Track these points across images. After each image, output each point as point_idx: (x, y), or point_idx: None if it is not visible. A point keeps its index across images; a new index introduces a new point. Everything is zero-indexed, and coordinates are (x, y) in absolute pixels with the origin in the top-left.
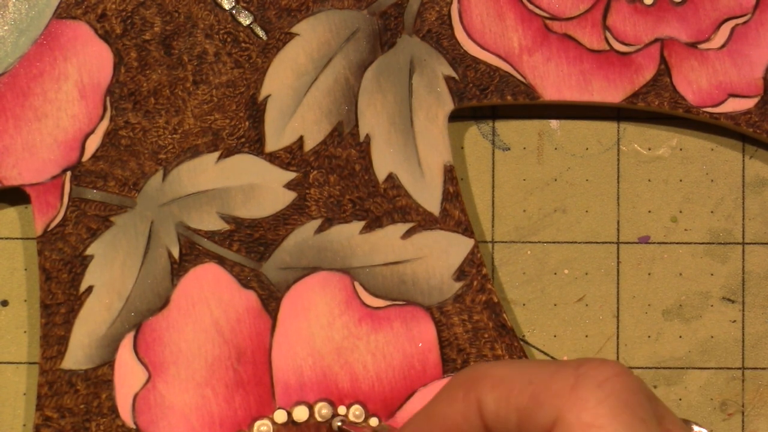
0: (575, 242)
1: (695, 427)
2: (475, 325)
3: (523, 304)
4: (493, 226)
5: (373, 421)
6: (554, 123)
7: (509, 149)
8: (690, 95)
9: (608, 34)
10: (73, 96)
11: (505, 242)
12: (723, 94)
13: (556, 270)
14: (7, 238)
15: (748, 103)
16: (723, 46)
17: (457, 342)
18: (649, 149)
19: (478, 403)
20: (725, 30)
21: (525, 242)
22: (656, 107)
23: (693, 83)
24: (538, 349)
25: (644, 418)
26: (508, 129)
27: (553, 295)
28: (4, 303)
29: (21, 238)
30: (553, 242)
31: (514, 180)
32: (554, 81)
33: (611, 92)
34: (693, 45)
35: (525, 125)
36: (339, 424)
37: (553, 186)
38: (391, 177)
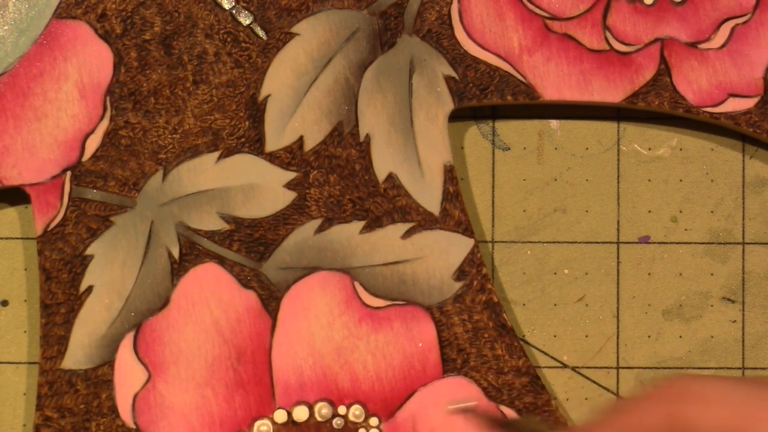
0: (575, 242)
1: None
2: (475, 325)
3: (523, 304)
4: (493, 226)
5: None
6: (554, 123)
7: (509, 149)
8: (690, 95)
9: (608, 34)
10: (73, 96)
11: (505, 242)
12: (723, 94)
13: (556, 270)
14: (7, 238)
15: (748, 103)
16: (723, 46)
17: (457, 342)
18: (649, 149)
19: (685, 422)
20: (725, 30)
21: (525, 242)
22: (656, 107)
23: (693, 83)
24: (538, 349)
25: None
26: (508, 129)
27: (553, 295)
28: (4, 303)
29: (21, 238)
30: (553, 242)
31: (514, 180)
32: (554, 81)
33: (611, 92)
34: (693, 45)
35: (525, 125)
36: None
37: (553, 186)
38: (391, 177)
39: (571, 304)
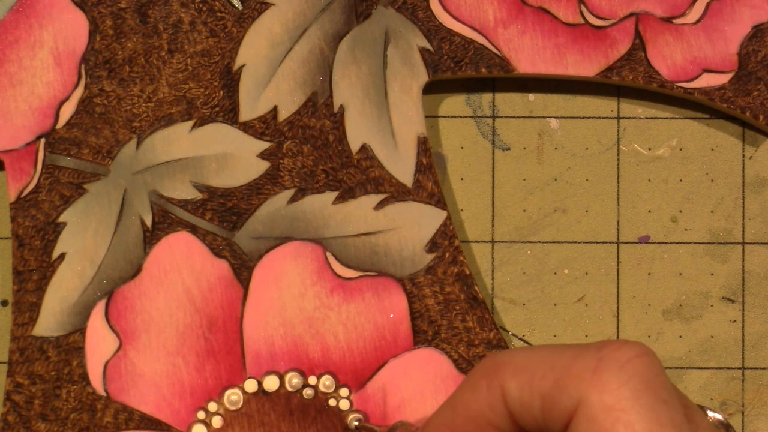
0: (575, 242)
1: (710, 413)
2: (447, 297)
3: (523, 304)
4: (493, 226)
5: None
6: (554, 123)
7: (509, 149)
8: (664, 70)
9: (583, 8)
10: (48, 63)
11: (505, 242)
12: (697, 69)
13: (556, 270)
14: (6, 238)
15: (723, 79)
16: (698, 21)
17: (429, 313)
18: (649, 149)
19: (501, 391)
20: (700, 5)
21: (525, 242)
22: (630, 82)
23: (667, 58)
24: None
25: (666, 400)
26: (508, 129)
27: (553, 295)
28: (4, 303)
29: None
30: (553, 242)
31: (514, 180)
32: (529, 54)
33: (586, 66)
34: (668, 20)
35: (525, 125)
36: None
37: (553, 186)
38: (364, 148)
39: (571, 304)
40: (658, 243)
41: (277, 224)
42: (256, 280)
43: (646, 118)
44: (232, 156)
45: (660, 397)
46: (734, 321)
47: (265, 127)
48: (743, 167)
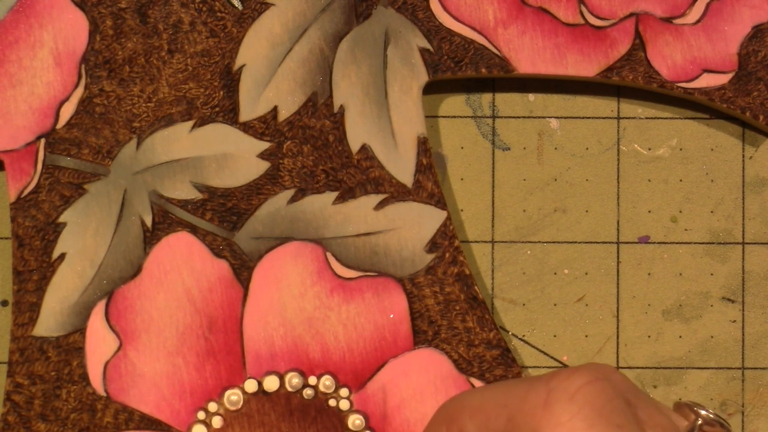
0: (575, 242)
1: (702, 412)
2: (447, 297)
3: (523, 304)
4: (493, 226)
5: None
6: (554, 123)
7: (509, 149)
8: (664, 70)
9: (583, 8)
10: (48, 63)
11: (505, 242)
12: (697, 70)
13: (556, 270)
14: (6, 238)
15: (723, 79)
16: (698, 21)
17: (429, 314)
18: (649, 149)
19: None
20: (700, 5)
21: (525, 242)
22: (630, 82)
23: (667, 58)
24: (538, 349)
25: (621, 424)
26: (508, 129)
27: (553, 295)
28: (4, 303)
29: None
30: (553, 242)
31: (514, 180)
32: (529, 54)
33: (586, 66)
34: (668, 20)
35: (525, 125)
36: None
37: (553, 186)
38: (364, 148)
39: (571, 304)
40: (658, 243)
41: (277, 224)
42: (256, 280)
43: (646, 118)
44: (232, 156)
45: (613, 423)
46: (734, 321)
47: (265, 127)
48: (743, 167)
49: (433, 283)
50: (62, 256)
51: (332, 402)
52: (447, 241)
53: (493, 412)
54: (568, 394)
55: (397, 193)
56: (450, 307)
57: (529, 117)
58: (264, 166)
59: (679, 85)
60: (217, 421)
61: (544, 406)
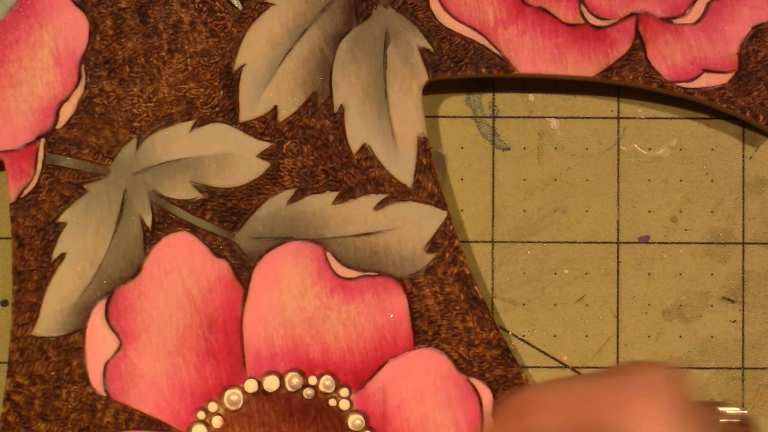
0: (575, 242)
1: (722, 408)
2: (447, 297)
3: (523, 304)
4: (493, 226)
5: None
6: (554, 123)
7: (509, 149)
8: (664, 70)
9: (583, 8)
10: (48, 63)
11: (505, 242)
12: (697, 70)
13: (556, 270)
14: (6, 238)
15: (723, 79)
16: (698, 21)
17: (429, 314)
18: (649, 149)
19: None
20: (700, 5)
21: (525, 242)
22: (630, 82)
23: (667, 58)
24: (538, 349)
25: (701, 419)
26: (508, 129)
27: (553, 295)
28: (4, 303)
29: None
30: (553, 242)
31: (514, 180)
32: (529, 54)
33: (586, 66)
34: (668, 20)
35: (525, 125)
36: None
37: (553, 186)
38: (364, 148)
39: (571, 304)
40: (658, 243)
41: (277, 224)
42: (256, 280)
43: (646, 118)
44: (232, 156)
45: (699, 419)
46: (734, 321)
47: (265, 127)
48: (743, 167)
49: (433, 283)
50: (62, 256)
51: (332, 402)
52: (447, 241)
53: (573, 406)
54: (652, 390)
55: (397, 193)
56: (450, 307)
57: (529, 117)
58: (264, 166)
59: (679, 85)
60: (217, 421)
61: (631, 400)
